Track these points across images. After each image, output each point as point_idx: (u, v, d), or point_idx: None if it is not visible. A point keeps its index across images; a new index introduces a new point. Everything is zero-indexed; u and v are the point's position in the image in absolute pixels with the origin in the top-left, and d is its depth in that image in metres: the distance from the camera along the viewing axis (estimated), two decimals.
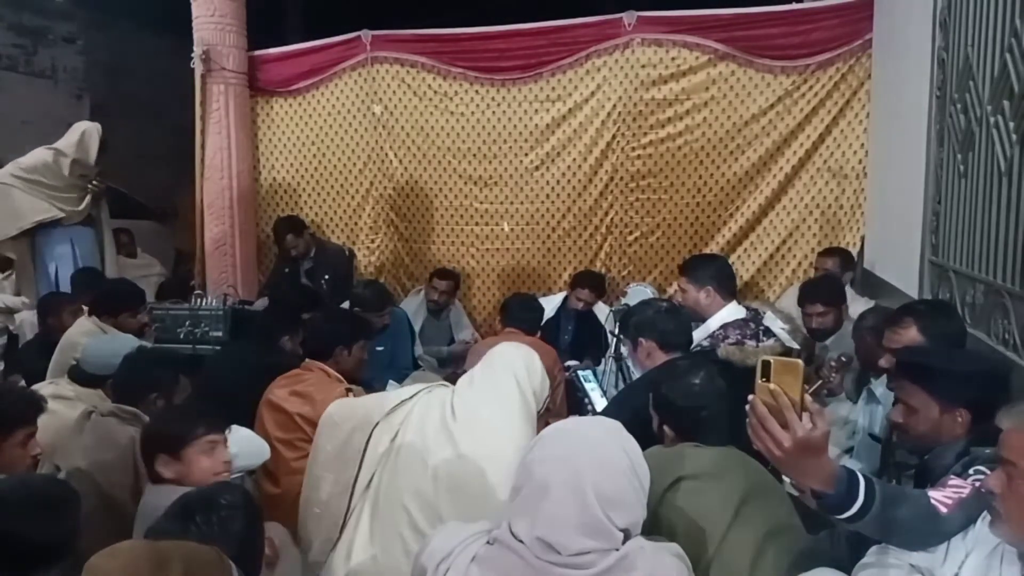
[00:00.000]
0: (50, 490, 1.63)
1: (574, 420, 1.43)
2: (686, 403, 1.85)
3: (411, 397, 1.98)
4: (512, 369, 1.99)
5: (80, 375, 2.63)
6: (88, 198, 4.35)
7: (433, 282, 4.38)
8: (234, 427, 2.36)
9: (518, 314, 3.49)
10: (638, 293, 3.94)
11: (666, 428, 1.88)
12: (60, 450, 2.22)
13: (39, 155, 4.33)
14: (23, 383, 3.26)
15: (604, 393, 3.08)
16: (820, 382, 2.56)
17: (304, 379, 2.63)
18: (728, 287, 2.74)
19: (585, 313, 4.15)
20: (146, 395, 2.38)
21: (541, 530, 1.23)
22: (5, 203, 4.28)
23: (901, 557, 1.38)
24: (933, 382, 1.77)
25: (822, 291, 3.20)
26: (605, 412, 2.57)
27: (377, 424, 1.93)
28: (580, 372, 3.19)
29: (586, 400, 3.04)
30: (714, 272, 2.74)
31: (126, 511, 2.05)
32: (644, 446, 1.80)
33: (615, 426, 1.39)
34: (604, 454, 1.28)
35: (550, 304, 4.13)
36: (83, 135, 4.36)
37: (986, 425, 1.65)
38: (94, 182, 4.33)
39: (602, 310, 4.22)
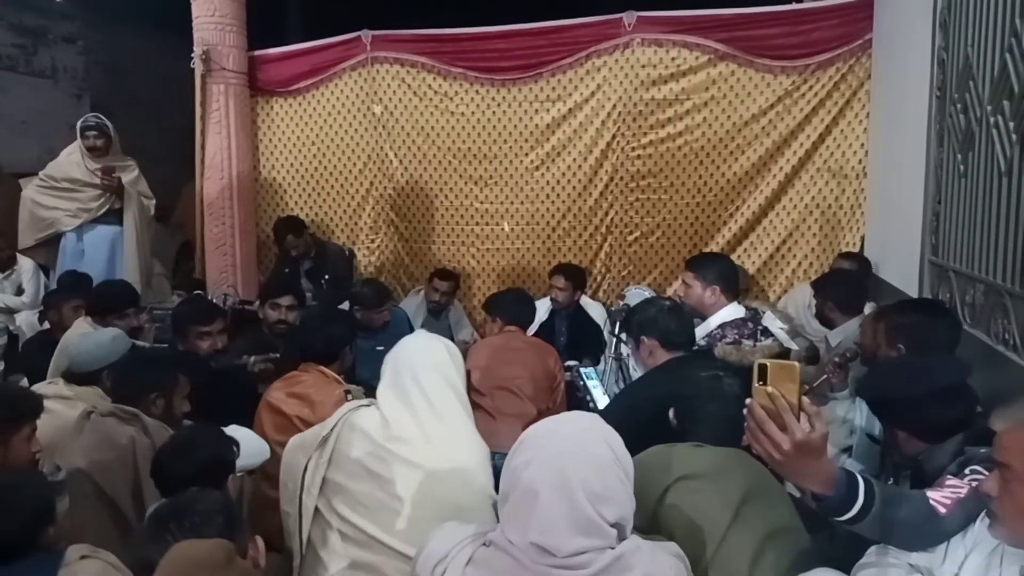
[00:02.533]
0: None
1: (553, 419, 1.41)
2: (702, 394, 1.86)
3: (332, 429, 1.90)
4: (435, 365, 1.96)
5: (74, 376, 2.64)
6: (101, 195, 4.36)
7: (434, 283, 4.38)
8: (233, 426, 2.36)
9: (516, 309, 3.32)
10: (636, 296, 3.94)
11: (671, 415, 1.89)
12: (60, 450, 2.22)
13: (58, 158, 4.46)
14: (25, 381, 3.27)
15: (606, 391, 3.07)
16: (825, 377, 2.56)
17: (301, 380, 2.61)
18: (732, 288, 2.74)
19: (577, 313, 4.15)
20: (145, 395, 2.37)
21: (534, 535, 1.23)
22: (28, 213, 4.45)
23: (900, 557, 1.38)
24: (869, 400, 1.90)
25: (819, 279, 3.28)
26: (606, 411, 2.57)
27: (306, 466, 1.86)
28: (583, 370, 3.18)
29: (588, 398, 3.03)
30: (721, 271, 2.74)
31: (126, 511, 2.05)
32: (644, 445, 1.81)
33: (594, 419, 1.39)
34: (587, 450, 1.28)
35: (543, 307, 4.15)
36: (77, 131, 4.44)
37: (954, 435, 1.66)
38: (102, 177, 4.33)
39: (594, 309, 4.22)
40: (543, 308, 4.13)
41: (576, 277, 4.16)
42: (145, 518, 1.89)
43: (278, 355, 2.89)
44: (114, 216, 4.47)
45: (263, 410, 2.57)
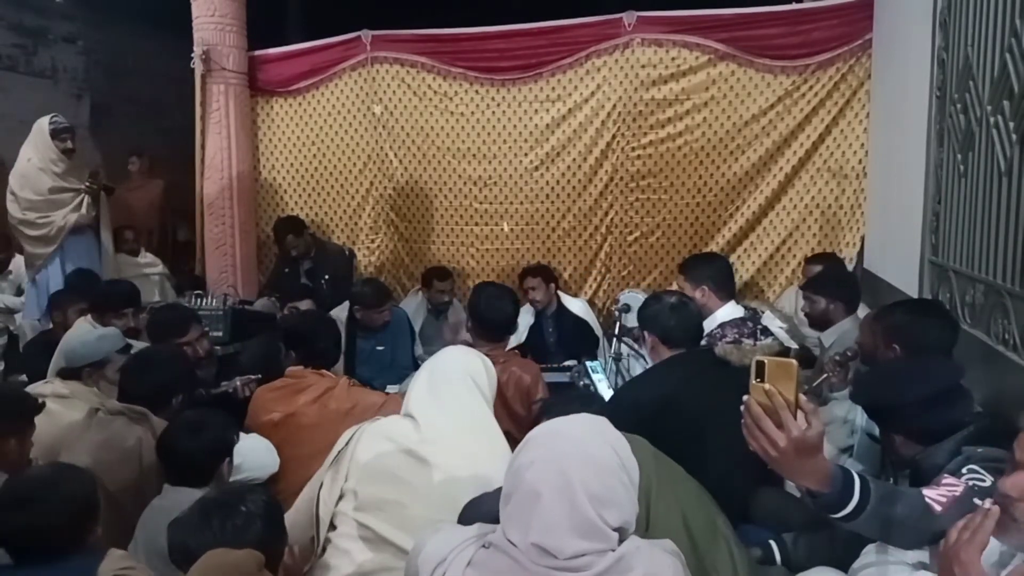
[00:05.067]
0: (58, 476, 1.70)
1: (559, 420, 1.41)
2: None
3: (346, 444, 1.89)
4: (470, 374, 1.98)
5: (64, 372, 2.66)
6: (86, 199, 4.23)
7: (435, 285, 4.37)
8: (241, 434, 2.36)
9: (493, 319, 2.82)
10: (631, 299, 3.93)
11: None
12: (66, 449, 2.22)
13: (23, 173, 4.17)
14: (24, 379, 3.28)
15: (611, 386, 3.08)
16: (825, 376, 2.56)
17: (307, 385, 2.54)
18: (726, 287, 2.75)
19: (561, 311, 4.18)
20: (171, 398, 2.38)
21: (535, 536, 1.22)
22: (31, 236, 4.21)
23: (899, 556, 1.38)
24: (864, 405, 1.94)
25: (817, 278, 3.26)
26: (608, 406, 2.58)
27: (321, 484, 1.86)
28: (588, 364, 3.18)
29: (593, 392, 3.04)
30: (711, 272, 2.76)
31: (128, 510, 2.05)
32: None
33: (600, 422, 1.38)
34: (591, 453, 1.27)
35: (527, 314, 4.15)
36: (32, 135, 4.20)
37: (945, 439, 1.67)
38: (88, 183, 4.27)
39: (576, 304, 4.25)
40: (528, 315, 4.14)
41: (543, 272, 4.23)
42: (161, 498, 1.97)
43: (260, 376, 2.80)
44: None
45: (267, 430, 2.48)
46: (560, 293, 4.31)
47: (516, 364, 2.75)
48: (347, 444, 1.89)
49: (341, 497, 1.84)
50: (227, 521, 1.48)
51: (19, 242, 4.40)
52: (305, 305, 3.50)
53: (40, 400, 2.20)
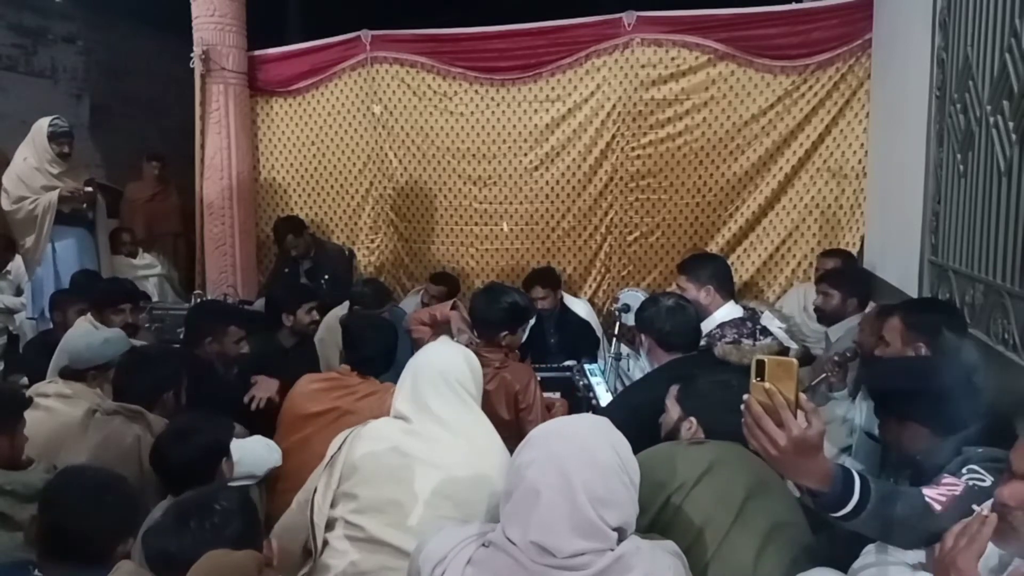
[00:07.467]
0: (110, 479, 1.72)
1: (561, 420, 1.42)
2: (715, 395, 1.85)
3: (339, 448, 1.89)
4: (453, 374, 1.97)
5: (67, 372, 2.66)
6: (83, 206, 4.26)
7: (427, 287, 4.37)
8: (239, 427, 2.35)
9: (489, 318, 2.76)
10: (630, 297, 3.92)
11: (694, 420, 1.86)
12: (66, 448, 2.22)
13: (18, 172, 4.17)
14: (25, 381, 3.28)
15: (609, 389, 3.07)
16: (824, 375, 2.56)
17: (351, 384, 2.51)
18: (727, 287, 2.75)
19: (563, 313, 4.15)
20: (160, 395, 2.37)
21: (535, 534, 1.23)
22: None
23: (899, 556, 1.38)
24: (880, 392, 1.91)
25: (833, 273, 3.33)
26: (606, 411, 2.57)
27: (316, 489, 1.86)
28: (587, 367, 3.17)
29: (591, 395, 3.03)
30: (713, 271, 2.75)
31: None
32: (643, 446, 1.81)
33: (603, 423, 1.38)
34: (593, 453, 1.27)
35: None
36: (31, 134, 4.20)
37: (954, 435, 1.66)
38: (86, 188, 4.26)
39: (579, 306, 4.22)
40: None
41: (550, 280, 4.12)
42: (163, 510, 1.91)
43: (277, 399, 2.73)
44: (76, 217, 4.31)
45: (302, 421, 2.46)
46: (563, 294, 4.30)
47: (509, 370, 2.68)
48: (340, 448, 1.89)
49: (336, 501, 1.84)
50: (204, 521, 1.46)
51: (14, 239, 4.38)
52: (259, 304, 3.49)
53: (29, 396, 2.21)
